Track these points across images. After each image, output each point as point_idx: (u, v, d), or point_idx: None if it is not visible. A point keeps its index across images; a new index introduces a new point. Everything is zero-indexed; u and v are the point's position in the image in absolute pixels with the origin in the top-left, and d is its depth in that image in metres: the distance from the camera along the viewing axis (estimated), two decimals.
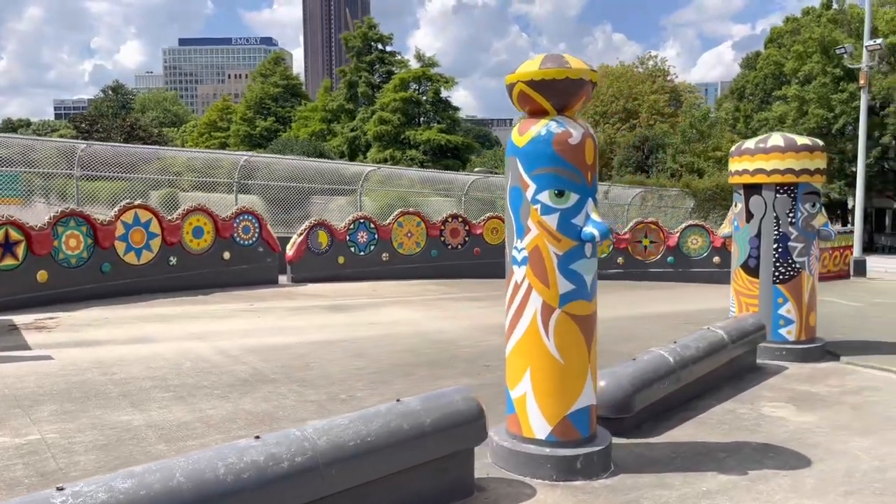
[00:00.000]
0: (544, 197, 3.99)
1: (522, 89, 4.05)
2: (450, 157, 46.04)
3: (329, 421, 3.27)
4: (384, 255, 14.48)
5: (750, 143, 7.63)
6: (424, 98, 47.32)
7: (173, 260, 11.58)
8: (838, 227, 19.24)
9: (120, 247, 10.81)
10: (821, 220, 7.54)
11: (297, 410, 5.16)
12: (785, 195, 7.38)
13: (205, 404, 5.26)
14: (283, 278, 13.19)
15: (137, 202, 11.30)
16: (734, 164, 7.73)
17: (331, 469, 3.00)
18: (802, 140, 7.39)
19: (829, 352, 7.85)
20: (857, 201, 18.20)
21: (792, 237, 7.39)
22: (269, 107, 64.08)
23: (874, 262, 34.72)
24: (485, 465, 4.07)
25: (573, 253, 4.00)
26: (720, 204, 21.72)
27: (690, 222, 16.84)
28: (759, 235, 7.54)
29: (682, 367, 5.38)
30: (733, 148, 7.90)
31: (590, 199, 4.04)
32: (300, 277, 13.20)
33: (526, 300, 4.07)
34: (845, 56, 19.16)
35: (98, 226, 10.47)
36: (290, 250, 13.17)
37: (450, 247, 15.49)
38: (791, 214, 7.37)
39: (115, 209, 10.94)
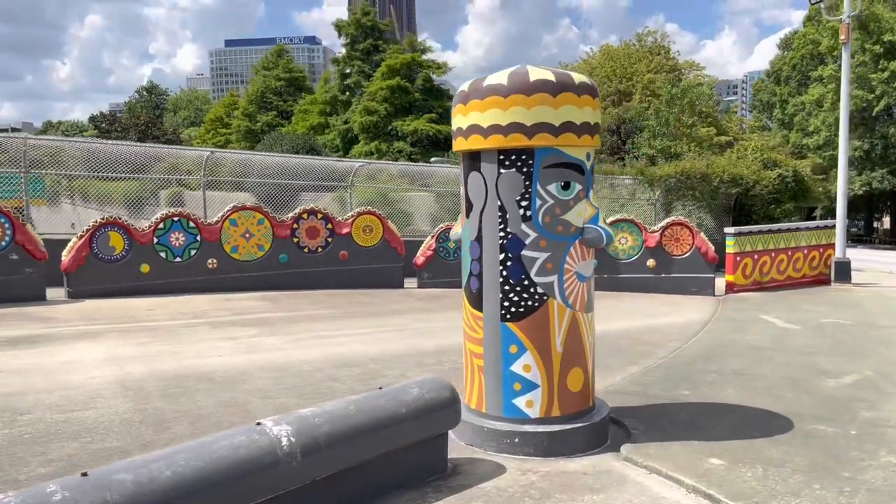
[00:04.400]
0: None
1: None
2: (441, 148, 42.87)
3: None
4: (210, 261, 11.67)
5: (465, 86, 4.55)
6: (413, 86, 44.16)
7: None
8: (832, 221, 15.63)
9: None
10: (586, 210, 4.42)
11: None
12: (513, 170, 4.30)
13: None
14: (58, 292, 10.55)
15: None
16: (454, 121, 4.68)
17: None
18: (539, 74, 4.27)
19: (617, 422, 4.75)
20: (840, 189, 14.48)
21: (527, 242, 4.30)
22: (270, 101, 61.91)
23: (892, 259, 29.99)
24: None
25: None
26: (686, 195, 18.15)
27: (619, 217, 13.54)
28: (480, 239, 4.48)
29: None
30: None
31: None
32: (81, 291, 10.50)
33: None
34: (821, 6, 15.48)
35: None
36: (65, 257, 10.51)
37: (306, 250, 12.58)
38: (524, 203, 4.29)
39: None
